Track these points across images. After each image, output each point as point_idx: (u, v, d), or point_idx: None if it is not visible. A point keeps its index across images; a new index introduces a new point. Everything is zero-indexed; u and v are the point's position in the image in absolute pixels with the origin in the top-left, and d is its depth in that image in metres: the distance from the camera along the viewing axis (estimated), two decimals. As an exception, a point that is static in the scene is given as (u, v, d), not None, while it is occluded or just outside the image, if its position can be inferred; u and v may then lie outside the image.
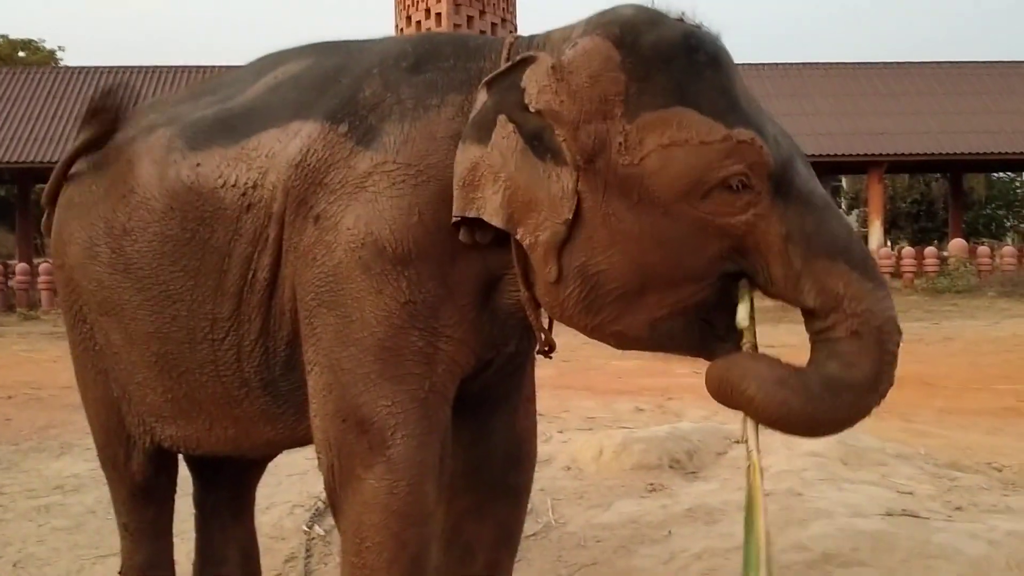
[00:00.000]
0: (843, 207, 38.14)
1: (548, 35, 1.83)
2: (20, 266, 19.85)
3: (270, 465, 3.94)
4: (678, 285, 1.66)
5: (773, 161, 1.62)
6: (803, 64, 25.89)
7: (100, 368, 2.33)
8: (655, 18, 1.70)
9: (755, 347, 1.68)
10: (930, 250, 20.97)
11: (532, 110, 1.68)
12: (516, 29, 21.27)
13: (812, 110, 23.90)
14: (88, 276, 2.25)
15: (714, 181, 1.61)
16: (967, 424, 5.79)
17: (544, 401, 5.99)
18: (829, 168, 26.97)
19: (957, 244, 20.90)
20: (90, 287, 2.25)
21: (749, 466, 1.74)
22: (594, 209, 1.66)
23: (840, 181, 38.63)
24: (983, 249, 20.67)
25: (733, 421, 5.04)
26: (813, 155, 22.84)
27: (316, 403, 1.88)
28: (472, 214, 1.71)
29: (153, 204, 2.09)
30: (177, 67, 25.11)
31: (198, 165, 2.04)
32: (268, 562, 3.00)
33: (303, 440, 2.04)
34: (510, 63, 1.74)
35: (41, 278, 18.76)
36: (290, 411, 2.01)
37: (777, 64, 25.62)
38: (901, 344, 1.66)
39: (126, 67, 24.90)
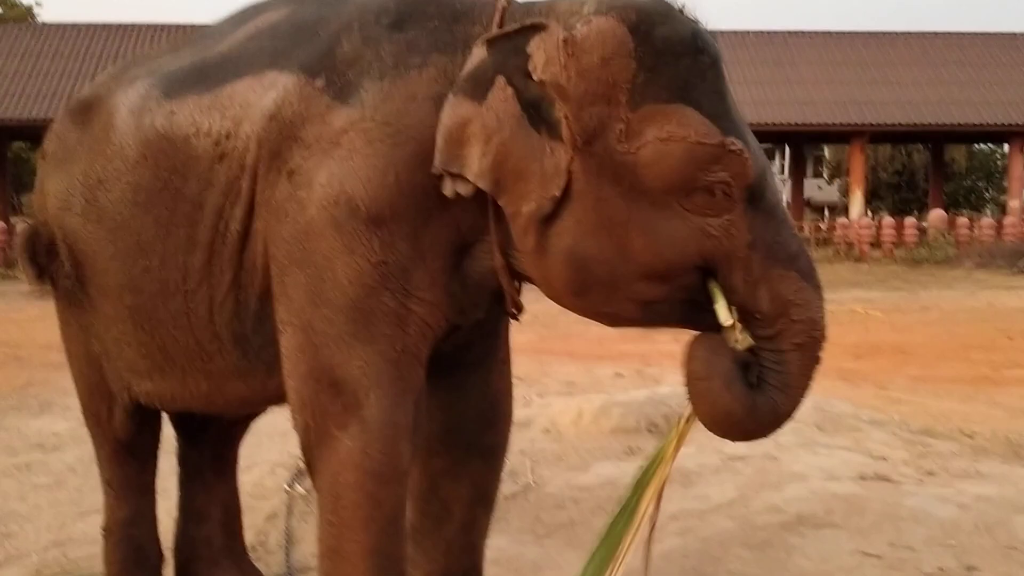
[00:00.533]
0: (825, 176, 38.32)
1: (552, 5, 1.78)
2: (-3, 224, 19.70)
3: (250, 427, 3.97)
4: (662, 275, 1.69)
5: (753, 174, 1.66)
6: (788, 32, 25.84)
7: (82, 324, 2.33)
8: (668, 11, 1.70)
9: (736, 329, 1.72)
10: (910, 220, 21.18)
11: (535, 79, 1.66)
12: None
13: (796, 78, 23.89)
14: (65, 228, 2.24)
15: (701, 183, 1.64)
16: (941, 392, 5.88)
17: (524, 366, 6.06)
18: (812, 137, 27.09)
19: (936, 215, 21.10)
20: (68, 239, 2.24)
21: (671, 437, 1.84)
22: (586, 192, 1.66)
23: (822, 150, 38.76)
24: (962, 220, 20.89)
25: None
26: (796, 124, 22.93)
27: (289, 363, 1.87)
28: (456, 170, 1.70)
29: (128, 153, 2.07)
30: (157, 24, 24.80)
31: (172, 113, 2.02)
32: (250, 520, 3.02)
33: (274, 397, 2.03)
34: (517, 26, 1.71)
35: (18, 236, 18.58)
36: (261, 367, 2.00)
37: (762, 32, 25.56)
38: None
39: (104, 24, 24.58)
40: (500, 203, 1.71)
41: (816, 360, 1.74)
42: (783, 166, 39.07)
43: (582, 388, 5.67)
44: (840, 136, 25.39)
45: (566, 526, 3.08)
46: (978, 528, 2.78)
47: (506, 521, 3.13)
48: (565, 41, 1.64)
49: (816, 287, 1.73)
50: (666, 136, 1.63)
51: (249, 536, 2.92)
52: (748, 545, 2.71)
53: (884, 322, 9.76)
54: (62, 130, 2.33)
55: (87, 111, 2.27)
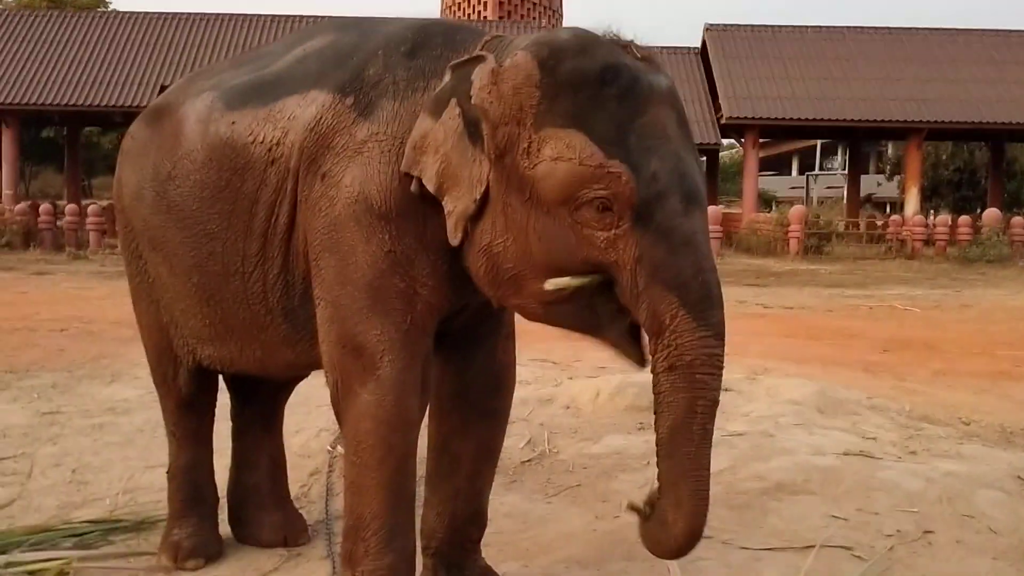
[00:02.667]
0: (886, 173, 37.93)
1: (514, 39, 2.11)
2: (69, 207, 20.51)
3: (301, 397, 4.38)
4: (559, 275, 1.93)
5: (638, 195, 1.84)
6: (848, 28, 25.75)
7: (152, 298, 2.74)
8: (586, 46, 1.93)
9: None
10: (964, 219, 21.02)
11: (473, 102, 1.96)
12: None
13: (855, 74, 23.84)
14: (137, 216, 2.66)
15: (584, 198, 1.86)
16: (957, 385, 6.03)
17: (559, 352, 6.43)
18: (869, 133, 26.90)
19: (991, 214, 20.90)
20: (139, 226, 2.67)
21: None
22: (498, 198, 1.97)
23: (886, 147, 38.36)
24: (1017, 220, 20.64)
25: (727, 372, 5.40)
26: (853, 120, 22.90)
27: (322, 332, 2.24)
28: (415, 173, 2.05)
29: (195, 155, 2.46)
30: (226, 14, 25.43)
31: (233, 123, 2.40)
32: (295, 476, 3.42)
33: (317, 363, 2.37)
34: (468, 57, 2.04)
35: (89, 219, 19.40)
36: (306, 337, 2.37)
37: (822, 27, 25.52)
38: (719, 379, 1.87)
39: (176, 13, 25.27)
40: (443, 203, 2.03)
41: (694, 384, 1.84)
42: (844, 162, 38.80)
43: (611, 372, 5.98)
44: (897, 133, 25.25)
45: (573, 488, 3.42)
46: (941, 499, 3.05)
47: (521, 482, 3.49)
48: (492, 71, 1.95)
49: (701, 319, 1.84)
50: (556, 156, 1.88)
51: (294, 488, 3.31)
52: (729, 506, 3.02)
53: (920, 318, 9.89)
54: (137, 131, 2.76)
55: (159, 115, 2.69)
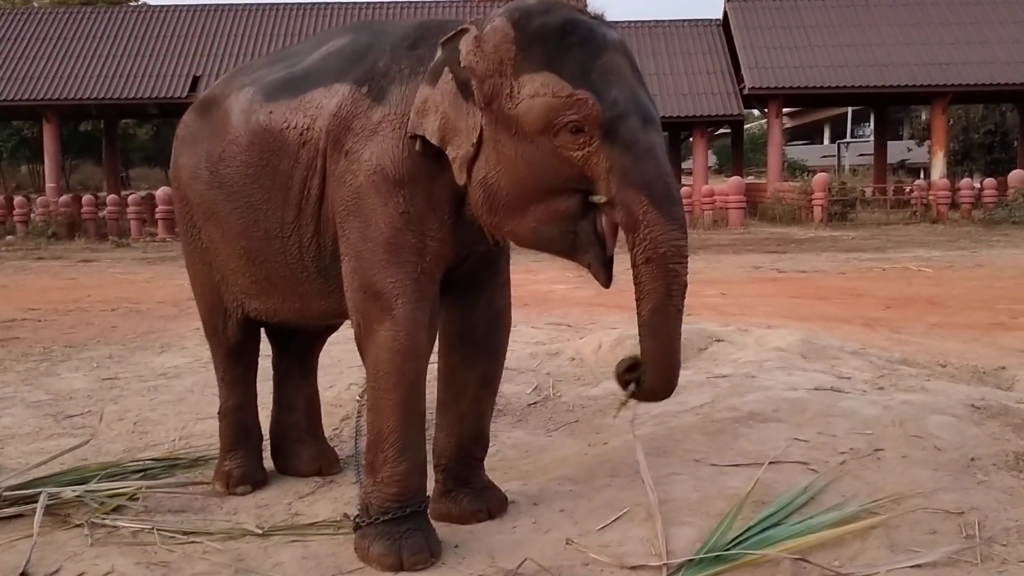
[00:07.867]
0: (915, 139, 37.69)
1: (487, 16, 2.50)
2: (110, 197, 21.24)
3: (334, 359, 4.83)
4: (546, 198, 2.36)
5: (603, 115, 2.26)
6: (869, -7, 25.70)
7: (205, 260, 3.22)
8: (549, 7, 2.37)
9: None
10: (989, 181, 21.14)
11: (462, 66, 2.41)
12: None
13: (877, 40, 23.88)
14: (193, 192, 3.13)
15: (560, 124, 2.28)
16: (950, 336, 6.34)
17: (576, 316, 6.88)
18: (893, 99, 26.89)
19: (1017, 175, 20.94)
20: (195, 200, 3.14)
21: None
22: (490, 139, 2.39)
23: (919, 113, 38.06)
24: (1044, 181, 20.68)
25: (717, 323, 5.72)
26: (877, 86, 22.97)
27: (347, 282, 2.69)
28: (420, 132, 2.49)
29: (240, 140, 2.93)
30: (263, 4, 25.86)
31: (271, 112, 2.87)
32: (329, 421, 3.88)
33: (346, 311, 2.79)
34: (454, 31, 2.47)
35: (130, 208, 20.07)
36: (337, 289, 2.81)
37: (843, -6, 25.51)
38: (687, 266, 2.29)
39: (203, 5, 25.79)
40: (447, 153, 2.47)
41: (668, 273, 2.26)
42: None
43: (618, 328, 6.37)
44: (921, 97, 25.26)
45: (571, 424, 3.84)
46: (894, 423, 3.39)
47: (526, 421, 3.94)
48: (476, 38, 2.40)
49: (666, 211, 2.25)
50: (533, 94, 2.31)
51: (328, 431, 3.77)
52: (704, 432, 3.41)
53: (930, 277, 10.18)
54: (189, 120, 3.24)
55: (207, 107, 3.17)
